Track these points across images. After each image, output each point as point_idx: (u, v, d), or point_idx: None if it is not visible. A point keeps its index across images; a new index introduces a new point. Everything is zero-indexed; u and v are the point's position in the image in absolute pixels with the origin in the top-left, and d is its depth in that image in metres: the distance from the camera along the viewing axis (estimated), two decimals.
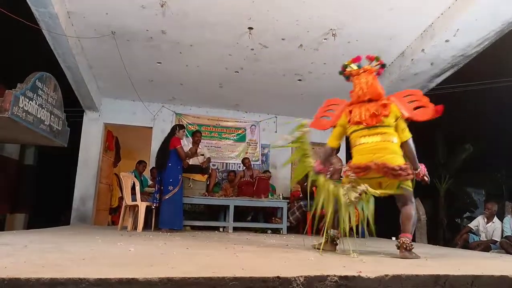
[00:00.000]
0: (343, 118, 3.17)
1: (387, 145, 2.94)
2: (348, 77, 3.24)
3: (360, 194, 2.83)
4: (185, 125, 6.49)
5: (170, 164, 5.20)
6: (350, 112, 3.11)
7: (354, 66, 3.20)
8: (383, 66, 3.19)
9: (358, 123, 3.02)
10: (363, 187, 2.83)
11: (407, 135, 3.00)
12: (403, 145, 2.99)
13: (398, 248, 2.82)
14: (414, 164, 3.01)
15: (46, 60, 5.84)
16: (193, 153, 5.90)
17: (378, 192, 2.88)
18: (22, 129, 5.13)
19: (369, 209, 2.93)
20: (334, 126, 3.28)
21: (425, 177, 3.06)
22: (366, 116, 2.99)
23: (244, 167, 7.34)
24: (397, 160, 2.90)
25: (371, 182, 2.91)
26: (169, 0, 4.50)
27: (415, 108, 3.07)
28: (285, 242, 4.09)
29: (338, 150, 3.26)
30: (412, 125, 3.18)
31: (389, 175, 2.84)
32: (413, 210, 2.91)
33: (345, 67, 3.25)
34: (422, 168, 3.04)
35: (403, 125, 3.01)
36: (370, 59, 3.18)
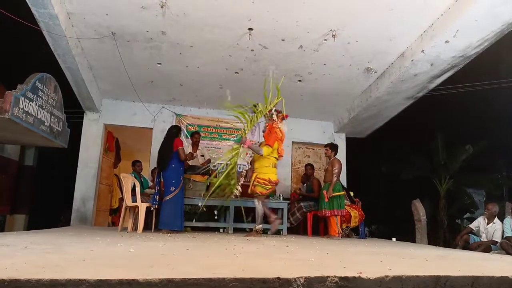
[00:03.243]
0: (275, 145, 5.03)
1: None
2: (270, 118, 5.16)
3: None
4: (181, 127, 6.51)
5: (173, 165, 5.19)
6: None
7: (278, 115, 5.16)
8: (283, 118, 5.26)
9: (279, 155, 5.13)
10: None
11: None
12: None
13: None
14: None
15: (46, 61, 5.84)
16: (190, 157, 5.92)
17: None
18: (22, 130, 5.12)
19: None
20: (269, 145, 4.99)
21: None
22: (282, 153, 5.15)
23: (250, 166, 7.30)
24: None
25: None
26: (169, 0, 4.50)
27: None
28: (285, 243, 4.09)
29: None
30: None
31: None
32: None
33: (281, 113, 5.18)
34: None
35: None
36: (285, 117, 5.23)
